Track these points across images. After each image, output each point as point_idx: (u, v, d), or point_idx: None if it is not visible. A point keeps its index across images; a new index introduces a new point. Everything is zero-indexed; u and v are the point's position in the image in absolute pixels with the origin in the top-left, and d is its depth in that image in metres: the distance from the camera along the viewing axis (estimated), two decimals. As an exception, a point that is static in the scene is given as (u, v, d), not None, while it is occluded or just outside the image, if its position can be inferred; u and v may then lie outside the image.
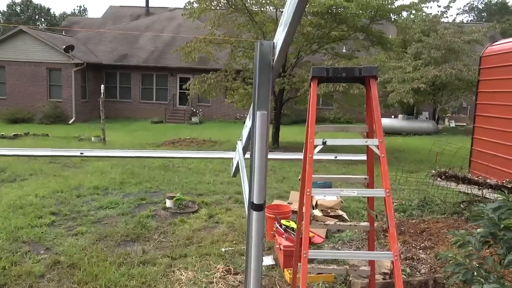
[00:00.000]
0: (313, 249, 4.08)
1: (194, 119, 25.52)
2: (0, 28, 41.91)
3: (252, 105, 2.48)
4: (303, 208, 2.81)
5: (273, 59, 2.17)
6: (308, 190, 2.57)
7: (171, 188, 7.90)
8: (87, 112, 25.03)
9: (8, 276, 4.17)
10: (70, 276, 4.22)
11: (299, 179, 3.61)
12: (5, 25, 37.57)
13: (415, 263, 4.27)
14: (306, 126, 2.84)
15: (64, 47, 23.82)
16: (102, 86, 16.51)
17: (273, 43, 2.17)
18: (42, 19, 48.89)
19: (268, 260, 4.57)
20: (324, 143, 2.71)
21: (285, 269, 4.27)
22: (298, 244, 3.16)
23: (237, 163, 4.32)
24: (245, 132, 3.87)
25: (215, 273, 4.32)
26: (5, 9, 51.93)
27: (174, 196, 6.61)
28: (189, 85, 14.95)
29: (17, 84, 24.76)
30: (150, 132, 20.70)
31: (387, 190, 2.47)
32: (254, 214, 3.09)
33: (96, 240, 5.19)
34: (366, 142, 2.79)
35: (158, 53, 27.30)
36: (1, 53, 24.43)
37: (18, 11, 51.35)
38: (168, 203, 6.58)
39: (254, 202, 3.07)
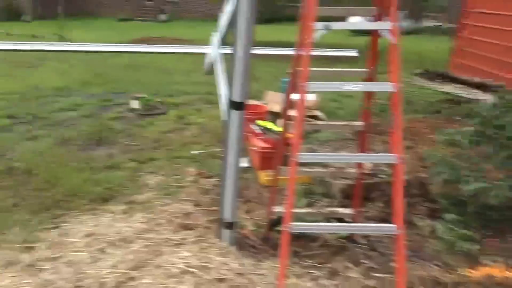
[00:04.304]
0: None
1: (161, 16, 23.80)
2: None
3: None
4: (293, 106, 2.42)
5: None
6: (304, 84, 2.11)
7: (138, 89, 7.30)
8: (43, 8, 22.84)
9: None
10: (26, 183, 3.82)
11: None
12: None
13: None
14: (301, 8, 2.30)
15: None
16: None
17: None
18: None
19: (243, 162, 4.27)
20: (326, 27, 2.14)
21: (260, 171, 4.02)
22: (282, 146, 2.82)
23: (211, 59, 3.80)
24: (224, 20, 3.28)
25: (186, 177, 4.01)
26: None
27: (141, 97, 6.09)
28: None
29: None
30: (115, 30, 19.23)
31: (397, 85, 2.07)
32: (233, 113, 2.68)
33: (56, 144, 4.74)
34: (377, 25, 2.32)
35: None
36: None
37: None
38: (135, 104, 6.07)
39: (234, 100, 2.65)
